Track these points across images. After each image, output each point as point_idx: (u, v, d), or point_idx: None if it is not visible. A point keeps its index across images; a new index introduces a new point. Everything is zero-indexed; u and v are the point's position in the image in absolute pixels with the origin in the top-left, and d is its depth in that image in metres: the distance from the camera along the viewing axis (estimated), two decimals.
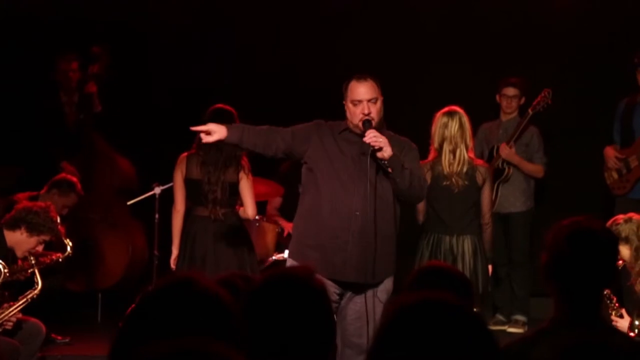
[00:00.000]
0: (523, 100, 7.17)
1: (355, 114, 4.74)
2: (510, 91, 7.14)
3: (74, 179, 6.79)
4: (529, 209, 7.17)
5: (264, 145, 4.83)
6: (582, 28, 7.69)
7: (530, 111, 6.94)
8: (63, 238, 5.86)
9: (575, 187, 7.63)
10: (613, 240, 2.74)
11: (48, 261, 5.76)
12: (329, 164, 4.80)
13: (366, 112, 4.71)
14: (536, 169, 7.06)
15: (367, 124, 4.68)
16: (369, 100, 4.73)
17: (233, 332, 1.77)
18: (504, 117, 7.24)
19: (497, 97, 7.22)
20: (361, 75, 4.80)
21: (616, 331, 2.94)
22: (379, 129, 4.73)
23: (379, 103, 4.78)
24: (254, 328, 2.04)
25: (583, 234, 2.62)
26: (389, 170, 4.65)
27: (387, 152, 4.59)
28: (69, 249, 5.87)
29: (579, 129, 7.66)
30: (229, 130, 4.75)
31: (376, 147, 4.58)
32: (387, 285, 4.87)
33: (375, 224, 4.72)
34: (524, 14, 7.83)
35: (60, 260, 5.86)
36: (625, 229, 4.86)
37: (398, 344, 1.61)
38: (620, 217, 4.97)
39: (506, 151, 6.96)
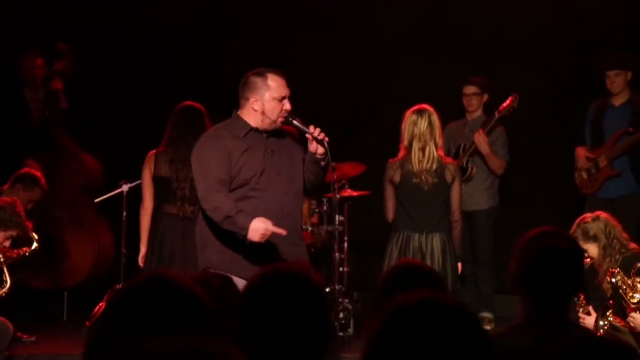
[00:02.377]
0: (486, 97, 7.23)
1: (277, 110, 4.55)
2: (469, 89, 7.21)
3: (38, 174, 6.74)
4: (492, 207, 7.22)
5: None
6: (554, 31, 7.77)
7: (496, 114, 6.98)
8: (30, 233, 5.81)
9: (545, 187, 7.72)
10: (579, 253, 2.84)
11: (15, 256, 5.70)
12: (256, 170, 4.57)
13: (289, 107, 4.57)
14: (500, 164, 7.11)
15: (293, 119, 4.55)
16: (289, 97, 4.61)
17: (209, 329, 1.76)
18: (469, 117, 7.30)
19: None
20: (276, 70, 4.61)
21: (585, 330, 3.04)
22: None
23: None
24: (251, 324, 2.03)
25: (550, 251, 2.73)
26: (322, 164, 4.56)
27: (326, 146, 4.53)
28: (35, 243, 5.81)
29: (549, 130, 7.74)
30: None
31: (327, 140, 4.49)
32: None
33: (297, 220, 4.67)
34: (498, 16, 7.88)
35: (27, 254, 5.81)
36: (593, 228, 4.91)
37: (395, 345, 1.61)
38: (589, 216, 5.02)
39: (481, 138, 6.99)
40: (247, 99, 4.61)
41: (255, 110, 4.60)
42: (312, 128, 4.52)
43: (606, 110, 6.89)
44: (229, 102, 6.14)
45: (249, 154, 4.60)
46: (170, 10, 8.15)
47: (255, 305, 2.10)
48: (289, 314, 2.08)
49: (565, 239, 2.81)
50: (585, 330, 3.77)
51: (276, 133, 4.65)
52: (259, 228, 4.32)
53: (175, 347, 1.43)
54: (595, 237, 4.89)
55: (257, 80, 4.58)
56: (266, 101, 4.57)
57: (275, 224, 4.45)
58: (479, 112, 7.26)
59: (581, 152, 6.96)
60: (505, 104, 6.93)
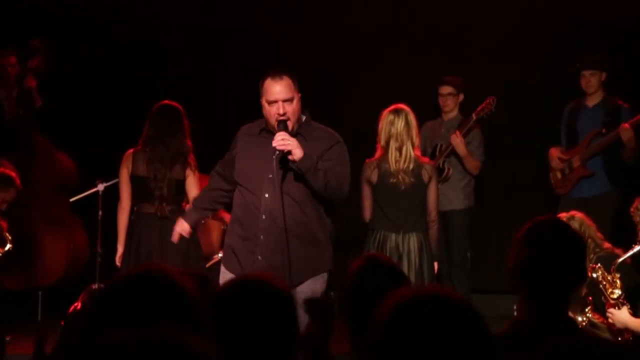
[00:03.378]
0: (461, 97, 7.25)
1: (271, 114, 4.65)
2: (445, 89, 7.23)
3: (12, 174, 6.68)
4: (467, 207, 7.25)
5: (216, 197, 5.08)
6: (532, 31, 7.83)
7: (474, 116, 7.02)
8: (3, 233, 5.77)
9: (520, 187, 7.76)
10: (580, 242, 2.72)
11: None
12: (245, 167, 4.78)
13: (281, 112, 4.60)
14: (476, 164, 7.15)
15: (281, 125, 4.59)
16: (284, 100, 4.61)
17: (200, 325, 1.76)
18: (445, 117, 7.32)
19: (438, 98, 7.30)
20: (277, 73, 4.66)
21: (583, 332, 2.94)
22: (299, 126, 4.69)
23: (295, 102, 4.65)
24: (220, 329, 2.04)
25: (549, 237, 2.63)
26: (301, 172, 4.58)
27: (296, 154, 4.52)
28: (8, 243, 5.77)
29: (525, 130, 7.79)
30: (187, 220, 5.11)
31: (285, 151, 4.51)
32: (312, 286, 4.74)
33: (285, 225, 4.62)
34: (473, 14, 7.93)
35: (0, 255, 5.77)
36: None
37: (399, 339, 1.61)
38: (563, 215, 5.06)
39: (458, 140, 7.02)
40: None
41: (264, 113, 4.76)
42: (276, 136, 4.56)
43: (580, 111, 6.96)
44: (175, 97, 6.17)
45: (250, 152, 4.78)
46: (166, 9, 8.15)
47: (222, 313, 2.13)
48: (253, 320, 2.12)
49: (564, 228, 2.72)
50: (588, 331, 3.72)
51: (303, 135, 4.69)
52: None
53: (143, 339, 1.41)
54: None
55: (261, 82, 4.72)
56: (263, 105, 4.71)
57: (254, 225, 4.67)
58: (455, 112, 7.29)
59: (554, 153, 7.03)
60: (482, 106, 6.97)
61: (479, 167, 7.17)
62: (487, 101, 6.96)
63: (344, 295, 2.81)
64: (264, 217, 4.65)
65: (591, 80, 6.85)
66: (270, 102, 4.63)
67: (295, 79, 4.69)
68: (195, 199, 5.37)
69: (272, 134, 4.68)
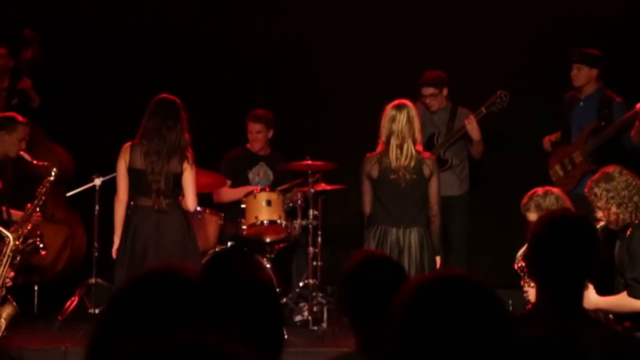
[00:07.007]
0: (445, 91, 7.19)
1: None
2: (427, 90, 7.14)
3: None
4: (464, 192, 7.25)
5: None
6: (525, 23, 7.84)
7: (483, 110, 6.98)
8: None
9: (516, 179, 7.76)
10: (593, 230, 2.76)
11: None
12: None
13: None
14: (483, 149, 7.15)
15: None
16: None
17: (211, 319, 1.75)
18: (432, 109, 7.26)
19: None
20: None
21: (595, 322, 2.95)
22: None
23: None
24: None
25: (563, 223, 2.67)
26: None
27: None
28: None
29: (520, 118, 7.79)
30: None
31: None
32: None
33: None
34: (468, 9, 7.94)
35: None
36: (545, 202, 4.92)
37: (420, 322, 1.61)
38: (540, 190, 5.03)
39: (473, 125, 6.95)
40: None
41: None
42: None
43: (574, 103, 6.98)
44: (173, 91, 6.15)
45: None
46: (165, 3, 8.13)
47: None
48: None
49: (578, 217, 2.76)
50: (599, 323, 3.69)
51: None
52: None
53: (183, 345, 1.38)
54: (547, 209, 4.86)
55: None
56: None
57: None
58: (443, 104, 7.24)
59: (546, 137, 7.09)
60: (492, 99, 6.93)
61: (483, 152, 7.16)
62: (498, 94, 6.92)
63: (342, 289, 2.81)
64: None
65: (579, 75, 6.85)
66: None
67: None
68: None
69: None
